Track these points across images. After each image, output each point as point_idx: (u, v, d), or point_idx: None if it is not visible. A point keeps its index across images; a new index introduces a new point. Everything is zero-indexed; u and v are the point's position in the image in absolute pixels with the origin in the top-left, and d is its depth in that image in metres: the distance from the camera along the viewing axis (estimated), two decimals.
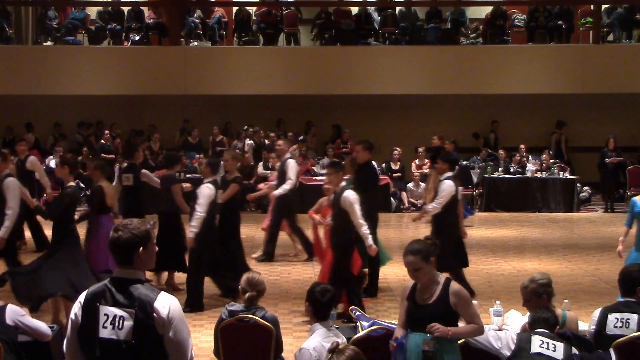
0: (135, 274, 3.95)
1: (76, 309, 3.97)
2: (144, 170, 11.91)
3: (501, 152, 19.63)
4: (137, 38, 20.95)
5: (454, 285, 5.19)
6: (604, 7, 21.29)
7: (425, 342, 5.13)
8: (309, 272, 11.87)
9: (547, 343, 5.32)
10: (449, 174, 9.97)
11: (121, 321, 3.86)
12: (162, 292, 3.94)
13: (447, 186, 9.80)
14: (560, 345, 5.32)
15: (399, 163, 19.52)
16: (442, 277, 5.23)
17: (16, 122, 20.82)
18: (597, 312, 6.03)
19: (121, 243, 3.92)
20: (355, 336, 5.98)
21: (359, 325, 6.41)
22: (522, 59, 20.49)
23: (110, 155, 19.06)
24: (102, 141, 19.66)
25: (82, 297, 3.98)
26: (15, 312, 6.24)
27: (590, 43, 21.06)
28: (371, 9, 21.88)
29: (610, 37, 21.57)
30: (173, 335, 3.88)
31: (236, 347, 6.19)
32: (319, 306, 5.64)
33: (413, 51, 20.66)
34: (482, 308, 6.88)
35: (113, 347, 3.86)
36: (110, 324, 3.87)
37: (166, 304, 3.89)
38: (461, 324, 5.32)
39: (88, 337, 3.91)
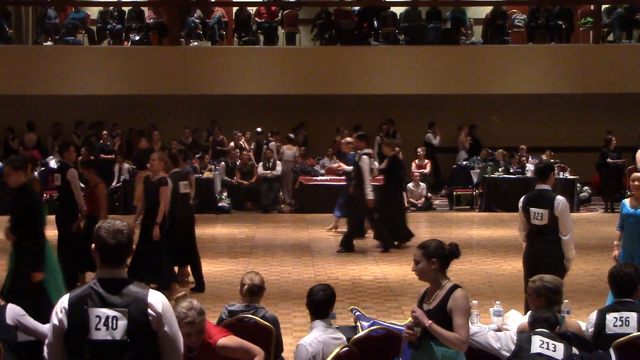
0: (122, 273, 3.97)
1: (60, 314, 3.91)
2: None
3: (497, 152, 19.60)
4: (137, 38, 20.95)
5: (457, 292, 5.01)
6: (604, 7, 21.28)
7: (408, 326, 5.06)
8: (309, 272, 11.88)
9: (548, 343, 5.31)
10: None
11: (115, 321, 3.85)
12: (151, 289, 3.96)
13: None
14: (560, 346, 5.32)
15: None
16: (449, 283, 5.07)
17: (16, 122, 20.84)
18: (593, 315, 5.98)
19: (123, 244, 3.93)
20: (355, 336, 5.98)
21: (359, 325, 6.41)
22: (522, 59, 20.49)
23: (110, 156, 19.08)
24: (101, 141, 19.66)
25: (64, 302, 3.93)
26: (15, 312, 6.23)
27: (590, 43, 21.06)
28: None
29: (610, 37, 21.57)
30: (168, 330, 3.91)
31: None
32: (313, 305, 5.71)
33: (413, 51, 20.66)
34: (482, 308, 6.88)
35: (107, 347, 3.86)
36: (104, 325, 3.85)
37: (159, 299, 3.93)
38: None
39: (77, 341, 3.88)
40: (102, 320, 3.86)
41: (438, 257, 5.06)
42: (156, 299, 3.92)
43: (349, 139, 14.96)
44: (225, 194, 18.46)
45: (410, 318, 5.18)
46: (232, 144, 19.77)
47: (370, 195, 13.05)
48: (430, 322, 4.93)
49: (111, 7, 21.46)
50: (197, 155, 18.61)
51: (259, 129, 20.05)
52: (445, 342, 4.95)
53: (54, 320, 3.93)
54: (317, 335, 5.51)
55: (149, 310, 3.87)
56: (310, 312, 5.72)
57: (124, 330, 3.85)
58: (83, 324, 3.86)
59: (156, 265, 10.10)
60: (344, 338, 5.69)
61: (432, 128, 21.09)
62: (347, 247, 13.45)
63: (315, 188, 18.18)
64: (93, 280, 3.96)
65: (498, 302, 6.66)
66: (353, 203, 13.60)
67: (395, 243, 13.66)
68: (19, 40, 21.77)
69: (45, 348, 4.00)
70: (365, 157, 13.22)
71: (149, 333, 3.88)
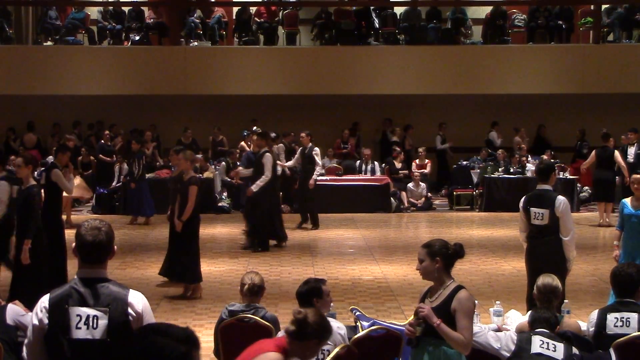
0: (102, 273, 3.97)
1: (40, 314, 3.91)
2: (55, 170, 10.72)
3: (499, 152, 19.62)
4: (137, 38, 20.95)
5: (462, 293, 4.97)
6: (604, 7, 21.29)
7: (410, 323, 5.05)
8: (309, 272, 11.87)
9: (548, 343, 5.32)
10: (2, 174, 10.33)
11: (95, 320, 3.87)
12: (131, 289, 3.97)
13: (2, 185, 9.89)
14: (560, 346, 5.32)
15: (401, 163, 19.55)
16: (454, 283, 5.05)
17: (16, 123, 20.87)
18: (594, 314, 6.00)
19: (101, 242, 3.92)
20: (355, 336, 5.98)
21: (359, 325, 6.41)
22: (522, 59, 20.49)
23: (109, 158, 19.06)
24: (102, 141, 19.66)
25: (45, 302, 3.92)
26: (15, 312, 6.24)
27: (590, 43, 21.06)
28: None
29: (610, 37, 21.58)
30: None
31: (236, 347, 6.17)
32: (298, 297, 5.86)
33: (413, 51, 20.66)
34: (482, 308, 6.89)
35: (87, 347, 3.87)
36: (85, 324, 3.86)
37: (139, 298, 3.94)
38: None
39: (57, 340, 3.87)
40: (83, 320, 3.86)
41: (442, 256, 5.05)
42: (136, 299, 3.93)
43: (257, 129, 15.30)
44: (225, 194, 18.45)
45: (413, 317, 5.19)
46: (242, 143, 19.57)
47: (255, 188, 13.29)
48: (439, 321, 4.90)
49: (111, 7, 21.47)
50: (198, 156, 18.58)
51: (255, 128, 19.99)
52: (450, 342, 4.93)
53: (34, 320, 3.93)
54: None
55: (130, 310, 3.89)
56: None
57: (104, 329, 3.86)
58: (64, 323, 3.87)
59: (186, 263, 10.31)
60: (334, 325, 5.66)
61: (494, 127, 20.94)
62: (263, 246, 13.65)
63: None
64: (74, 279, 3.96)
65: (498, 302, 6.67)
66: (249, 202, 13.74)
67: (274, 243, 13.87)
68: (19, 40, 21.77)
69: (24, 348, 3.99)
70: (268, 154, 13.49)
71: (129, 332, 3.88)
